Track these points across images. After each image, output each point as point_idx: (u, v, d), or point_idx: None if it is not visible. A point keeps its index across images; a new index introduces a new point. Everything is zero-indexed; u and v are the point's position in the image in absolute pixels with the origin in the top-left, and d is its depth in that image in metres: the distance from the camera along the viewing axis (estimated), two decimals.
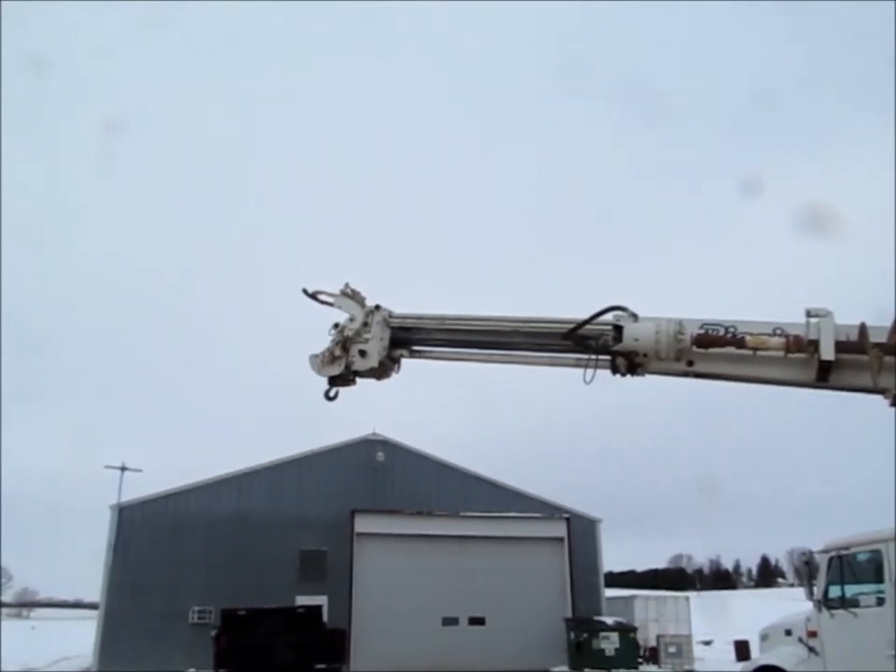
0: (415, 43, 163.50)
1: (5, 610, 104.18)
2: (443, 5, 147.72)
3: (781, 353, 6.31)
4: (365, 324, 7.93)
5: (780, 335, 6.38)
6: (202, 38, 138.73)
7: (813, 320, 6.30)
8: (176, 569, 26.60)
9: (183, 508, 27.79)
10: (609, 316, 6.97)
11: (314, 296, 8.22)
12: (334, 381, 8.07)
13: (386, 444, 30.59)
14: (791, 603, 23.94)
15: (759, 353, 6.40)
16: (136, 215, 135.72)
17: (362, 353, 7.86)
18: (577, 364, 7.25)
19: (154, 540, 26.95)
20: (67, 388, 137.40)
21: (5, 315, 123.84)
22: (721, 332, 6.61)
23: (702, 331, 6.66)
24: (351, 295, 8.15)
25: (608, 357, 6.93)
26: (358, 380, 8.18)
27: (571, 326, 7.03)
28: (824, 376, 6.24)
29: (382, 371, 8.07)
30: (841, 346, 6.15)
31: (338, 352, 7.91)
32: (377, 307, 8.01)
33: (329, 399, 8.14)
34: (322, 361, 7.97)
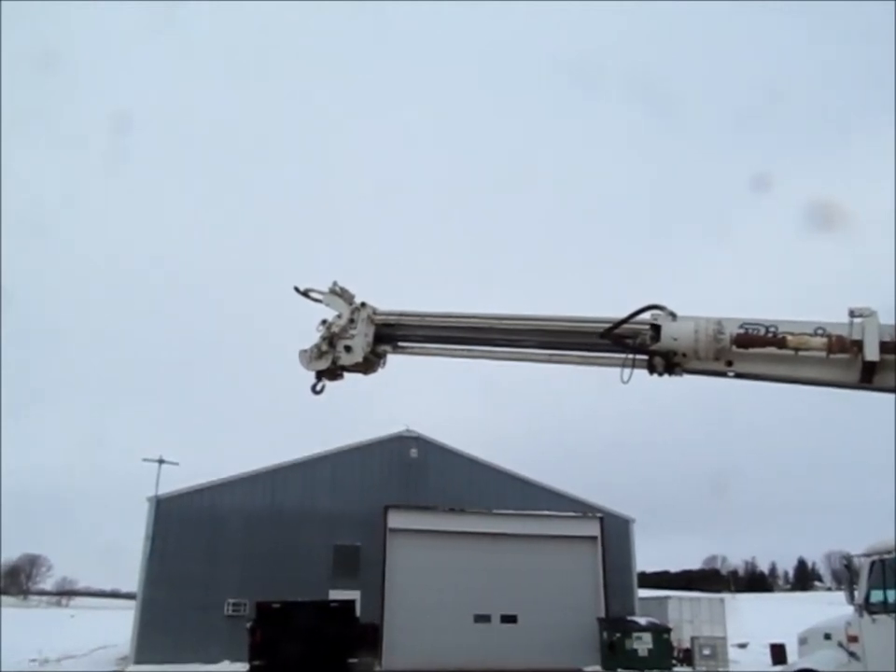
0: (428, 42, 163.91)
1: (45, 598, 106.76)
2: (453, 4, 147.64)
3: (823, 353, 6.18)
4: (351, 320, 8.16)
5: (822, 335, 6.25)
6: (208, 39, 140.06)
7: (857, 320, 6.16)
8: (212, 562, 26.98)
9: (219, 501, 28.17)
10: (646, 315, 6.90)
11: (305, 293, 8.44)
12: (322, 375, 8.28)
13: (420, 441, 30.70)
14: (828, 607, 23.54)
15: (800, 353, 6.29)
16: (146, 212, 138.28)
17: (347, 348, 8.09)
18: (585, 361, 7.37)
19: (190, 533, 27.36)
20: (101, 384, 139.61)
21: (30, 312, 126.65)
22: (762, 332, 6.50)
23: (742, 331, 6.55)
24: (339, 293, 8.35)
25: (644, 357, 6.87)
26: (346, 374, 8.38)
27: (608, 325, 6.98)
28: (868, 377, 6.10)
29: (367, 366, 8.28)
30: (886, 347, 6.02)
31: (325, 347, 8.14)
32: (363, 304, 8.24)
33: (316, 392, 8.34)
34: (310, 356, 8.19)
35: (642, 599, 32.34)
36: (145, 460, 29.46)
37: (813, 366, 6.32)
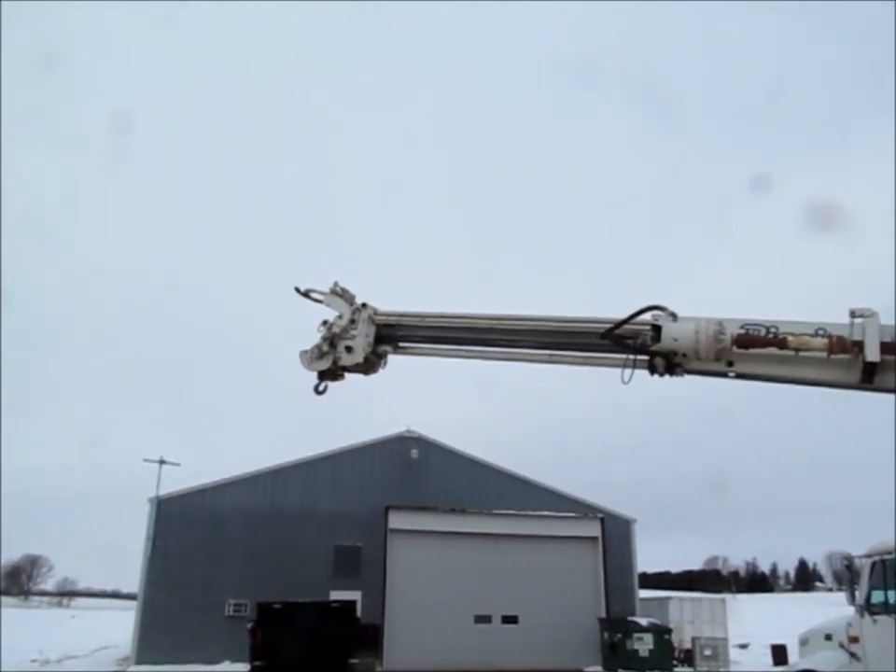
0: (428, 42, 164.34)
1: (46, 599, 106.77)
2: (453, 4, 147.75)
3: (824, 354, 6.18)
4: (352, 321, 8.18)
5: (823, 336, 6.25)
6: (208, 39, 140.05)
7: (857, 320, 6.15)
8: (213, 562, 26.97)
9: (220, 502, 28.15)
10: (647, 316, 6.91)
11: (306, 294, 8.46)
12: (323, 375, 8.30)
13: (420, 441, 30.68)
14: (829, 608, 23.54)
15: (801, 354, 6.28)
16: (146, 212, 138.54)
17: (348, 349, 8.12)
18: (585, 362, 7.41)
19: (191, 533, 27.34)
20: (101, 384, 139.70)
21: (30, 312, 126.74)
22: (762, 332, 6.50)
23: (742, 331, 6.55)
24: (340, 293, 8.37)
25: (645, 357, 6.87)
26: (347, 375, 8.40)
27: (609, 325, 6.99)
28: (868, 378, 6.10)
29: (368, 367, 8.31)
30: (886, 347, 6.01)
31: (326, 348, 8.16)
32: (363, 305, 8.26)
33: (319, 393, 8.36)
34: (311, 357, 8.21)
35: (643, 600, 32.33)
36: (146, 461, 29.43)
37: (813, 366, 6.32)
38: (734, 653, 31.00)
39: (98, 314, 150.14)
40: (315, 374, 8.29)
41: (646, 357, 6.84)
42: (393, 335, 8.31)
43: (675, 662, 27.51)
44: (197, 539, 27.30)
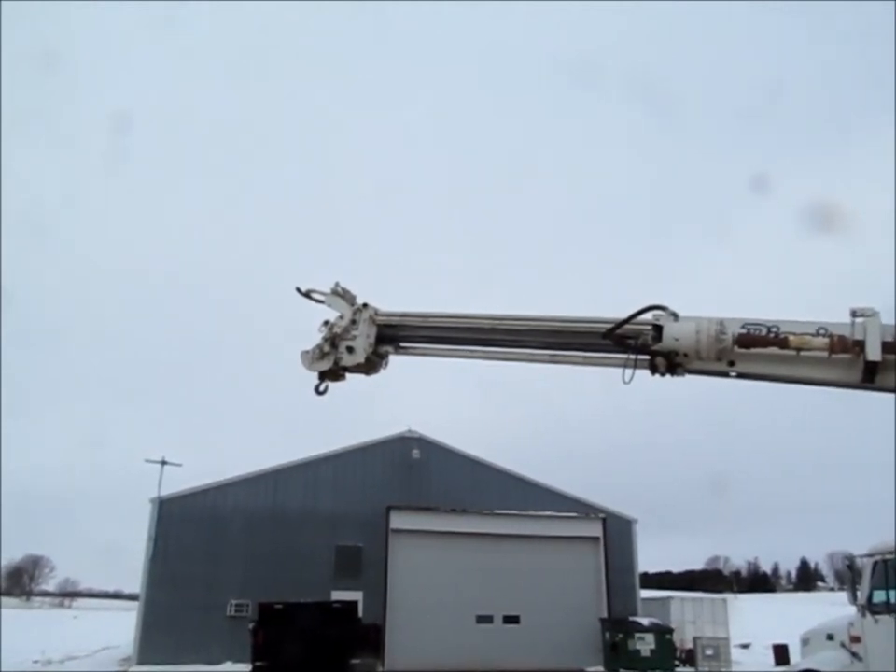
0: (428, 42, 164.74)
1: (48, 600, 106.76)
2: (453, 4, 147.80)
3: (825, 353, 6.19)
4: (353, 321, 8.20)
5: (824, 335, 6.26)
6: (208, 39, 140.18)
7: (858, 320, 6.16)
8: (214, 563, 26.97)
9: (221, 502, 28.15)
10: (648, 316, 6.91)
11: (307, 294, 8.47)
12: (324, 376, 8.31)
13: (422, 441, 30.66)
14: (830, 607, 23.51)
15: (802, 353, 6.29)
16: (146, 212, 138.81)
17: (349, 349, 8.14)
18: (587, 362, 7.43)
19: (192, 534, 27.34)
20: (101, 384, 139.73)
21: (30, 312, 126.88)
22: (764, 332, 6.51)
23: (744, 331, 6.56)
24: (341, 294, 8.39)
25: (646, 357, 6.87)
26: (348, 375, 8.42)
27: (610, 325, 6.99)
28: (870, 377, 6.11)
29: (369, 367, 8.33)
30: (887, 347, 6.02)
31: (327, 348, 8.19)
32: (364, 305, 8.28)
33: (320, 393, 8.39)
34: (312, 357, 8.23)
35: (644, 600, 32.30)
36: (147, 461, 29.43)
37: (815, 366, 6.33)
38: (735, 653, 30.95)
39: (98, 314, 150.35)
40: (315, 375, 8.30)
41: (647, 357, 6.86)
42: (394, 335, 8.33)
43: (676, 662, 27.48)
44: (198, 539, 27.30)
